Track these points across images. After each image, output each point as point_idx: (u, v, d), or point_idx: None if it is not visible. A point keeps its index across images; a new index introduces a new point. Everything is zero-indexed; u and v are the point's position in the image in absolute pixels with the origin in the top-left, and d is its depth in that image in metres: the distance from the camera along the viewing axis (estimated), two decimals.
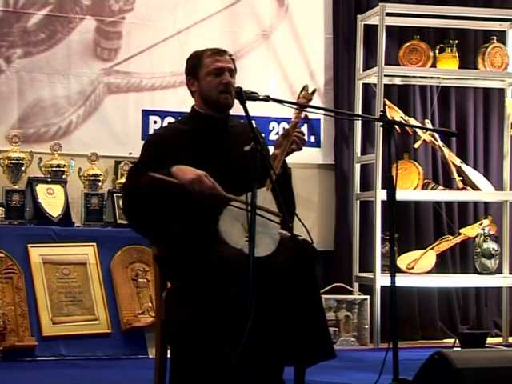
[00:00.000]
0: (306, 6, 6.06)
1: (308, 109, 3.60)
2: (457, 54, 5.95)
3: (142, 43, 5.70)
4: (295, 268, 3.16)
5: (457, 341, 4.87)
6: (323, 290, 5.40)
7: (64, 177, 5.30)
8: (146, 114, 5.69)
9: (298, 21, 6.03)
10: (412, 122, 5.83)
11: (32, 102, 5.45)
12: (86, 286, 4.93)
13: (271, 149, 3.51)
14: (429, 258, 5.85)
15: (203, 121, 3.45)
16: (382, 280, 5.50)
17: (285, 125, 5.78)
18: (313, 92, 3.48)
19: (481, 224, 5.99)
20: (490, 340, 5.39)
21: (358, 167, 5.98)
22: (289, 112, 3.66)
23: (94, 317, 4.87)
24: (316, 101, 5.68)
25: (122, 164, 5.46)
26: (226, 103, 3.40)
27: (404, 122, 5.65)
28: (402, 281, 5.06)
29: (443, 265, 6.09)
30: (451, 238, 5.95)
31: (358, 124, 5.98)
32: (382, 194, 5.53)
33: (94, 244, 5.02)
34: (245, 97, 3.08)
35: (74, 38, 5.54)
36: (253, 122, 3.14)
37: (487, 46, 6.01)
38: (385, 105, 5.75)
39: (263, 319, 3.02)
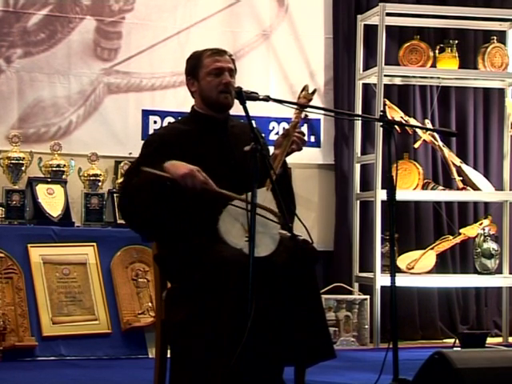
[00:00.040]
0: (306, 5, 6.06)
1: (308, 109, 3.60)
2: (457, 54, 5.95)
3: (142, 43, 5.70)
4: (295, 268, 3.16)
5: (457, 341, 4.87)
6: (323, 290, 5.40)
7: (64, 177, 5.30)
8: (146, 113, 5.69)
9: (298, 21, 6.03)
10: (412, 121, 5.83)
11: (32, 102, 5.45)
12: (86, 286, 4.93)
13: (271, 149, 3.51)
14: (429, 257, 5.86)
15: (203, 121, 3.45)
16: (382, 280, 5.50)
17: (285, 125, 5.78)
18: (313, 92, 3.48)
19: (481, 224, 5.99)
20: (489, 340, 5.39)
21: (358, 167, 5.98)
22: (289, 112, 3.66)
23: (94, 317, 4.87)
24: (316, 101, 5.66)
25: (122, 164, 5.46)
26: (225, 103, 3.40)
27: (404, 122, 5.65)
28: (401, 281, 5.06)
29: (443, 265, 6.09)
30: (451, 237, 5.95)
31: (358, 124, 5.98)
32: (382, 194, 5.53)
33: (94, 244, 5.02)
34: (245, 97, 3.08)
35: (73, 38, 5.54)
36: (253, 122, 3.14)
37: (487, 46, 6.01)
38: (385, 105, 5.75)
39: (263, 319, 3.02)
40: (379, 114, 3.84)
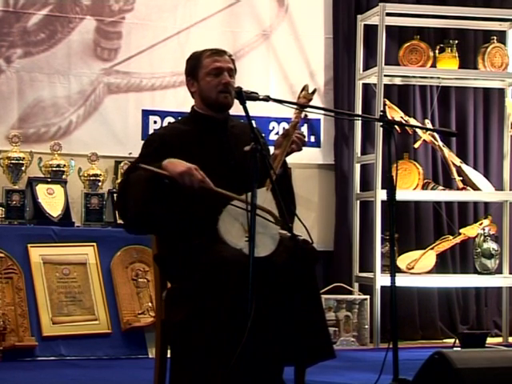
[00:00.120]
0: (305, 5, 6.06)
1: (308, 109, 3.60)
2: (457, 54, 5.95)
3: (142, 43, 5.70)
4: (295, 268, 3.16)
5: (457, 341, 4.87)
6: (323, 290, 5.41)
7: (64, 177, 5.30)
8: (146, 113, 5.69)
9: (298, 21, 6.03)
10: (412, 121, 5.83)
11: (32, 102, 5.45)
12: (86, 286, 4.93)
13: (271, 149, 3.51)
14: (429, 257, 5.85)
15: (203, 121, 3.45)
16: (382, 280, 5.50)
17: (285, 125, 5.78)
18: (313, 92, 3.47)
19: (481, 224, 5.99)
20: (490, 340, 5.39)
21: (358, 167, 5.98)
22: (289, 112, 3.66)
23: (94, 317, 4.87)
24: (316, 101, 5.67)
25: (122, 164, 5.46)
26: (225, 103, 3.40)
27: (404, 122, 5.65)
28: (401, 281, 5.06)
29: (443, 265, 6.09)
30: (451, 237, 5.95)
31: (358, 124, 5.98)
32: (382, 194, 5.53)
33: (94, 244, 5.02)
34: (245, 97, 3.08)
35: (73, 38, 5.54)
36: (253, 121, 3.14)
37: (487, 46, 6.01)
38: (385, 105, 5.75)
39: (263, 319, 3.02)
40: (379, 113, 3.84)
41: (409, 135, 6.05)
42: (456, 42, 5.97)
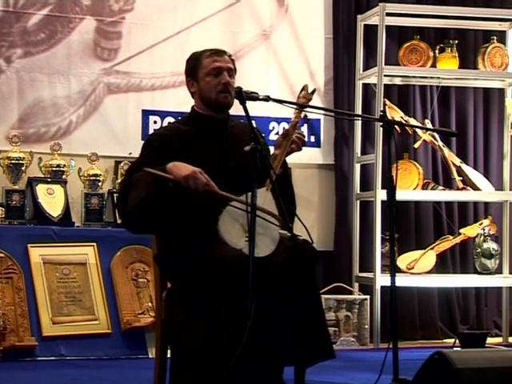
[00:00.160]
0: (306, 5, 6.06)
1: (308, 109, 3.60)
2: (457, 54, 5.95)
3: (142, 43, 5.70)
4: (295, 268, 3.16)
5: (457, 341, 4.87)
6: (323, 290, 5.41)
7: (64, 177, 5.30)
8: (146, 113, 5.69)
9: (298, 21, 6.03)
10: (412, 121, 5.83)
11: (32, 102, 5.45)
12: (86, 286, 4.93)
13: (271, 149, 3.51)
14: (429, 257, 5.85)
15: (203, 121, 3.45)
16: (382, 280, 5.50)
17: (285, 125, 5.78)
18: (312, 92, 3.47)
19: (481, 224, 5.99)
20: (490, 340, 5.39)
21: (358, 167, 5.98)
22: (289, 112, 3.66)
23: (94, 317, 4.87)
24: (316, 101, 5.68)
25: (122, 164, 5.46)
26: (225, 103, 3.40)
27: (404, 122, 5.65)
28: (401, 281, 5.06)
29: (443, 265, 6.09)
30: (451, 237, 5.95)
31: (358, 124, 5.98)
32: (382, 194, 5.53)
33: (94, 244, 5.02)
34: (245, 97, 3.08)
35: (73, 38, 5.54)
36: (253, 122, 3.14)
37: (487, 46, 6.01)
38: (385, 105, 5.75)
39: (263, 319, 3.02)
40: (379, 114, 3.84)
41: (409, 135, 6.06)
42: (456, 42, 5.97)
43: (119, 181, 5.37)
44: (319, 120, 6.02)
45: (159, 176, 3.11)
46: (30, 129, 5.44)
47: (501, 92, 6.19)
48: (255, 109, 3.64)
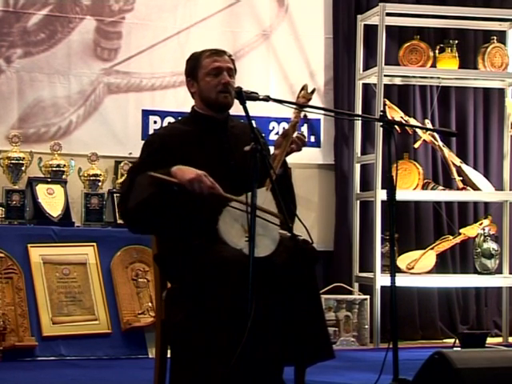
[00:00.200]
0: (306, 5, 6.06)
1: (308, 109, 3.60)
2: (457, 54, 5.95)
3: (142, 43, 5.70)
4: (295, 268, 3.16)
5: (457, 341, 4.87)
6: (323, 290, 5.41)
7: (64, 177, 5.30)
8: (146, 113, 5.69)
9: (298, 21, 6.03)
10: (412, 121, 5.83)
11: (32, 102, 5.45)
12: (86, 286, 4.93)
13: (271, 149, 3.51)
14: (429, 257, 5.85)
15: (203, 121, 3.45)
16: (382, 280, 5.50)
17: (285, 125, 5.78)
18: (312, 91, 3.47)
19: (481, 224, 5.99)
20: (490, 340, 5.39)
21: (358, 167, 5.98)
22: (289, 112, 3.66)
23: (94, 317, 4.87)
24: (316, 101, 5.68)
25: (122, 164, 5.46)
26: (225, 102, 3.40)
27: (404, 122, 5.65)
28: (401, 281, 5.06)
29: (443, 265, 6.09)
30: (451, 237, 5.95)
31: (358, 124, 5.98)
32: (382, 194, 5.53)
33: (94, 244, 5.02)
34: (245, 97, 3.08)
35: (73, 38, 5.54)
36: (253, 122, 3.14)
37: (487, 46, 6.01)
38: (385, 105, 5.75)
39: (263, 319, 3.02)
40: (379, 113, 3.84)
41: (409, 135, 6.05)
42: (456, 42, 5.97)
43: (119, 181, 5.38)
44: (319, 120, 6.03)
45: (164, 180, 3.11)
46: (29, 129, 5.44)
47: (501, 92, 6.19)
48: (255, 109, 3.64)
